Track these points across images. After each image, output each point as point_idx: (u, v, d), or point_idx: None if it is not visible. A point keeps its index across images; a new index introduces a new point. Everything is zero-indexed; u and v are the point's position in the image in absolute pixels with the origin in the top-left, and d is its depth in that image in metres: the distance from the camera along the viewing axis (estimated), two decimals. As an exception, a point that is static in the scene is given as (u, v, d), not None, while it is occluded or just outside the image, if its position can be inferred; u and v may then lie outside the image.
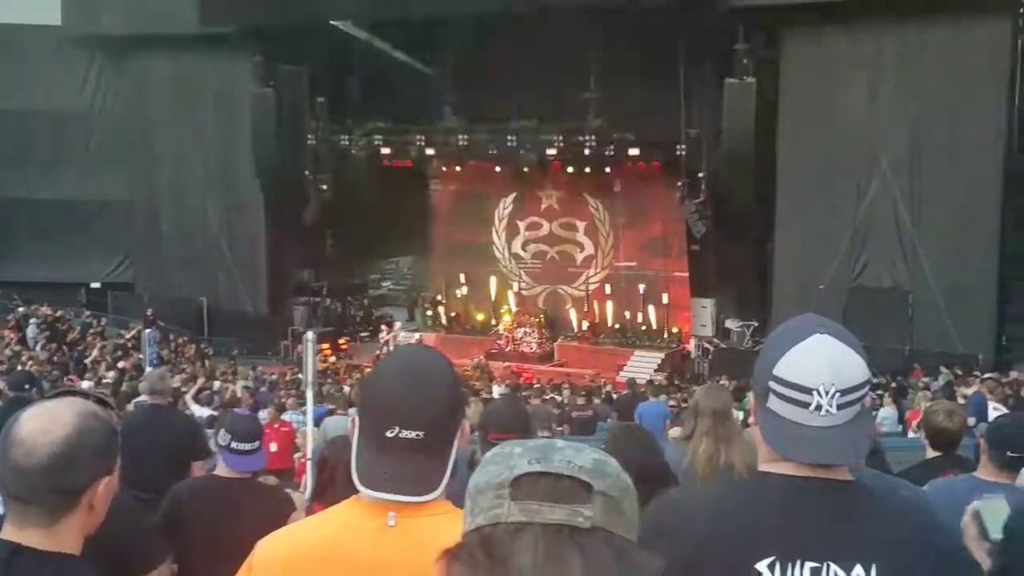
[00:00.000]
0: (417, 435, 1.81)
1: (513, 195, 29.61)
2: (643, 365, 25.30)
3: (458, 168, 28.90)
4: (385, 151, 27.51)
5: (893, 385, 17.29)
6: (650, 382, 20.42)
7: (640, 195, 27.32)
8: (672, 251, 27.21)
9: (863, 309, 21.48)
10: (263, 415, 11.55)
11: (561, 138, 25.34)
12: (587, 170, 26.45)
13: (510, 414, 3.77)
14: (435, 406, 1.84)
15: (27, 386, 6.83)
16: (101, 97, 30.09)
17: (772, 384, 1.77)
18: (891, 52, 22.15)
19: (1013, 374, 16.47)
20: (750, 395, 1.89)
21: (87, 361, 20.43)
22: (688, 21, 21.37)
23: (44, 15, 28.89)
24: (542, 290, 29.92)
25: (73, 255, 28.93)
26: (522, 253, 30.16)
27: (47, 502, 1.83)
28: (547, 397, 18.47)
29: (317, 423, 9.62)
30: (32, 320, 24.14)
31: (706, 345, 26.08)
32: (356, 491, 1.82)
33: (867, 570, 1.69)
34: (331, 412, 11.97)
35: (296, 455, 10.02)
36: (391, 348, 22.98)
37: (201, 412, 11.65)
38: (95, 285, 30.33)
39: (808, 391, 1.73)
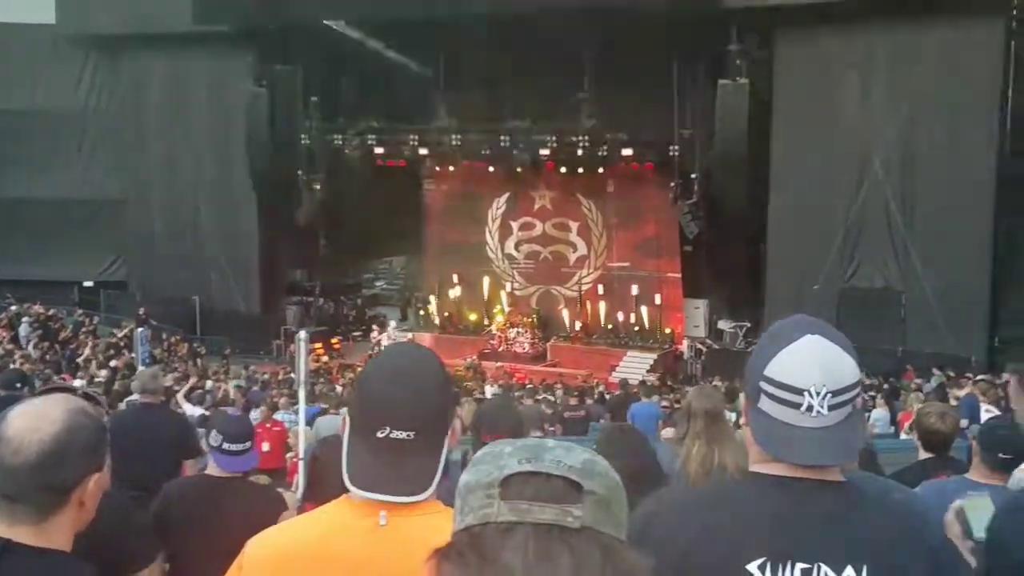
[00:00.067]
0: (408, 435, 1.80)
1: (506, 195, 29.62)
2: (636, 366, 25.32)
3: (451, 168, 28.91)
4: (378, 151, 27.50)
5: (886, 386, 17.32)
6: (643, 383, 20.43)
7: (633, 195, 27.34)
8: (665, 252, 27.22)
9: (856, 310, 21.52)
10: (255, 414, 11.55)
11: (554, 138, 25.35)
12: (580, 170, 26.46)
13: (502, 414, 3.77)
14: (426, 406, 1.84)
15: (18, 385, 6.80)
16: (95, 96, 30.03)
17: (763, 385, 1.77)
18: (884, 53, 22.19)
19: (1006, 376, 16.48)
20: (742, 396, 1.89)
21: (79, 360, 20.39)
22: (681, 22, 21.38)
23: (38, 14, 28.83)
24: (535, 290, 29.93)
25: (66, 254, 28.85)
26: (515, 253, 30.17)
27: (36, 500, 1.82)
28: (540, 397, 18.47)
29: (310, 423, 9.63)
30: (24, 319, 24.09)
31: (699, 346, 26.12)
32: (347, 490, 1.82)
33: (858, 571, 1.69)
34: (324, 411, 11.96)
35: (288, 455, 10.02)
36: (382, 347, 22.97)
37: (193, 411, 11.63)
38: (88, 284, 30.27)
39: (799, 392, 1.72)
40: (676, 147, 24.39)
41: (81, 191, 29.20)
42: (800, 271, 22.97)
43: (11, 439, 1.81)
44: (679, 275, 26.98)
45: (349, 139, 27.55)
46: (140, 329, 22.11)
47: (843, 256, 22.89)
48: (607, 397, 17.34)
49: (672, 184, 24.94)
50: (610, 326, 27.81)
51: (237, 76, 26.54)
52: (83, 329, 25.35)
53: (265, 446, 9.62)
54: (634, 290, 27.55)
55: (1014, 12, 21.64)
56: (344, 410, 1.95)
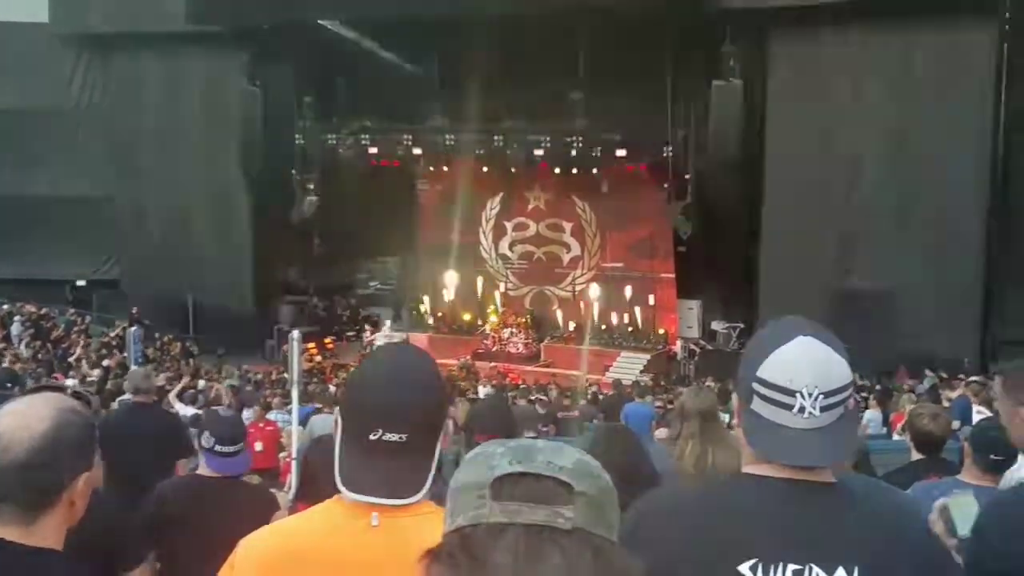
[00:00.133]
0: (400, 438, 1.80)
1: (500, 195, 29.62)
2: (629, 366, 25.33)
3: (445, 168, 28.89)
4: (372, 150, 27.48)
5: (878, 387, 17.34)
6: (636, 383, 20.46)
7: (627, 196, 27.32)
8: (659, 252, 27.22)
9: (849, 311, 21.51)
10: (248, 414, 11.53)
11: (548, 139, 25.35)
12: (574, 171, 26.45)
13: (495, 415, 3.77)
14: (419, 408, 1.84)
15: (9, 384, 6.82)
16: (88, 95, 29.95)
17: (756, 386, 1.78)
18: (877, 54, 22.21)
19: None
20: (734, 397, 1.89)
21: (71, 359, 20.35)
22: (676, 23, 21.40)
23: (31, 13, 28.76)
24: (529, 291, 29.93)
25: (58, 253, 28.80)
26: (509, 253, 30.17)
27: (26, 499, 1.82)
28: (533, 397, 18.47)
29: (303, 422, 9.61)
30: (16, 318, 24.03)
31: (692, 346, 26.13)
32: (339, 490, 1.82)
33: (849, 572, 1.69)
34: (318, 411, 11.95)
35: (281, 455, 10.00)
36: (375, 348, 22.99)
37: (185, 411, 11.60)
38: (80, 283, 30.22)
39: (791, 393, 1.73)
40: (670, 148, 24.40)
41: (74, 190, 29.13)
42: (794, 272, 22.98)
43: (0, 438, 1.80)
44: (673, 276, 27.00)
45: (343, 139, 27.52)
46: (133, 328, 22.07)
47: (836, 258, 22.92)
48: (600, 397, 17.33)
49: (666, 185, 24.96)
50: (603, 327, 27.81)
51: (231, 75, 26.49)
52: (75, 328, 25.30)
53: (258, 446, 9.60)
54: (628, 291, 27.55)
55: (1006, 14, 21.68)
56: (337, 409, 1.94)
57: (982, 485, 3.44)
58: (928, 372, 18.57)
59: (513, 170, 26.91)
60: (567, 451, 1.17)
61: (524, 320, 28.24)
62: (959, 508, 2.47)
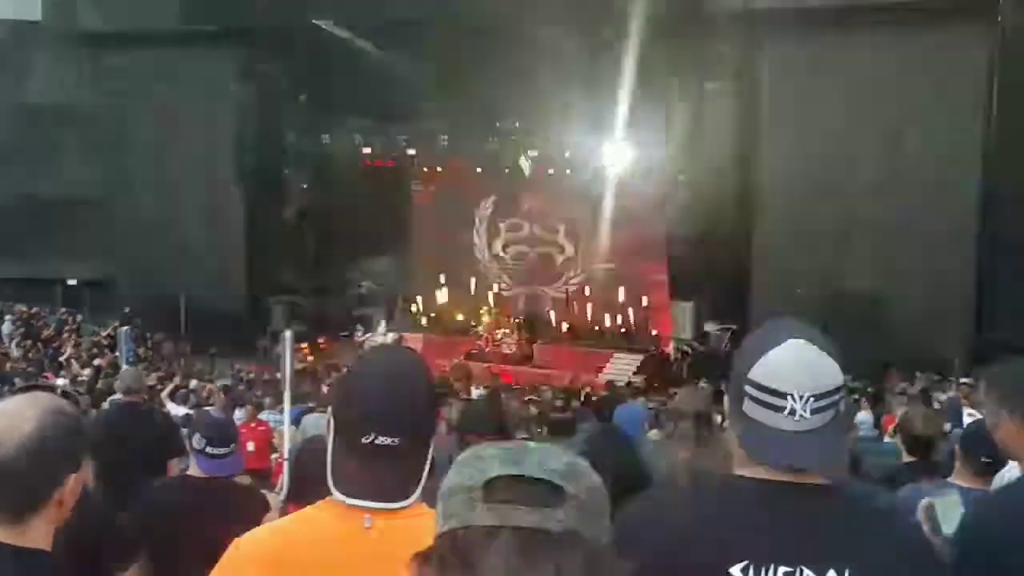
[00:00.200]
0: (393, 441, 1.80)
1: (494, 196, 29.58)
2: (622, 367, 25.30)
3: (439, 168, 28.87)
4: (366, 150, 27.48)
5: (870, 389, 17.37)
6: (629, 384, 20.44)
7: (620, 197, 27.32)
8: (652, 254, 27.21)
9: (841, 313, 21.52)
10: (240, 414, 11.51)
11: (542, 139, 25.37)
12: (568, 171, 26.47)
13: (488, 416, 3.77)
14: (411, 411, 1.84)
15: (-1, 384, 6.79)
16: (81, 93, 29.89)
17: (747, 388, 1.78)
18: (871, 58, 22.24)
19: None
20: (726, 398, 1.89)
21: (62, 358, 20.29)
22: (670, 26, 21.42)
23: (24, 11, 28.70)
24: (522, 291, 29.89)
25: (49, 252, 28.73)
26: (502, 254, 30.12)
27: (13, 499, 1.81)
28: (526, 399, 18.43)
29: (296, 422, 9.60)
30: (7, 317, 23.98)
31: (685, 348, 26.12)
32: (331, 492, 1.81)
33: (840, 574, 1.69)
34: (311, 410, 11.93)
35: (273, 455, 9.99)
36: (367, 349, 22.95)
37: (177, 410, 11.58)
38: (71, 282, 30.14)
39: (782, 395, 1.73)
40: (664, 149, 24.42)
41: (65, 189, 29.07)
42: (786, 274, 22.99)
43: (-12, 438, 1.80)
44: (666, 277, 26.98)
45: (336, 138, 27.51)
46: (124, 328, 22.00)
47: (830, 260, 22.95)
48: (593, 399, 17.32)
49: (659, 186, 24.98)
50: (597, 328, 27.79)
51: (224, 74, 26.48)
52: (66, 328, 25.24)
53: (250, 446, 9.59)
54: (621, 292, 27.53)
55: (999, 19, 21.74)
56: (330, 411, 1.94)
57: (973, 487, 3.45)
58: (919, 374, 18.62)
59: (507, 170, 26.90)
60: (558, 453, 1.17)
61: (517, 321, 28.19)
62: (944, 507, 2.48)
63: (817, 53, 22.59)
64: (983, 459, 3.60)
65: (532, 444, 1.19)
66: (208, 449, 3.97)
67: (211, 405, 12.38)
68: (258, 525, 2.03)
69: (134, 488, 4.14)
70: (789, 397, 1.72)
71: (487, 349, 27.56)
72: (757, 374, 1.76)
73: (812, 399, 1.72)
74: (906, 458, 4.58)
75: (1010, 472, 3.55)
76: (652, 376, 24.37)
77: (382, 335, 27.67)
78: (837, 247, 22.86)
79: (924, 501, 2.54)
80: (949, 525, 2.44)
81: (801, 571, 1.69)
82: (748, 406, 1.78)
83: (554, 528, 1.09)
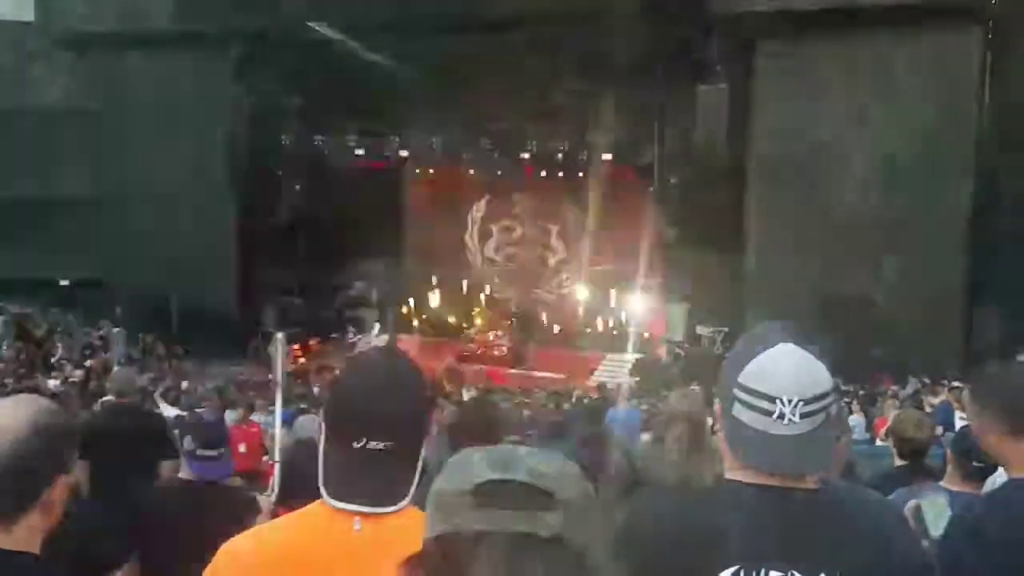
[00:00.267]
0: (385, 446, 1.80)
1: (486, 198, 29.63)
2: (614, 369, 25.33)
3: (431, 171, 28.91)
4: (359, 152, 27.47)
5: (862, 392, 17.40)
6: (621, 386, 20.45)
7: (613, 199, 27.37)
8: (644, 256, 27.25)
9: (833, 316, 21.57)
10: (231, 416, 11.48)
11: (535, 142, 25.41)
12: (560, 174, 26.52)
13: (479, 419, 3.76)
14: (403, 416, 1.83)
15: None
16: (74, 95, 29.82)
17: (736, 391, 1.78)
18: (863, 61, 22.32)
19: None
20: (716, 401, 1.89)
21: (54, 359, 20.23)
22: (662, 27, 21.45)
23: (17, 11, 28.62)
24: (514, 293, 29.92)
25: (42, 252, 28.63)
26: (495, 256, 30.18)
27: (2, 502, 1.80)
28: (518, 401, 18.45)
29: (288, 423, 9.57)
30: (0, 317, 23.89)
31: (677, 350, 26.15)
32: (321, 495, 1.81)
33: (830, 577, 1.69)
34: (303, 411, 11.92)
35: (264, 457, 9.96)
36: (359, 352, 22.93)
37: (168, 412, 11.55)
38: (64, 283, 30.04)
39: (771, 399, 1.73)
40: (656, 151, 24.46)
41: (57, 190, 28.99)
42: (779, 277, 23.06)
43: (-24, 442, 1.79)
44: (658, 279, 27.04)
45: (329, 140, 27.50)
46: (116, 329, 21.98)
47: (822, 263, 22.99)
48: (585, 401, 17.32)
49: (652, 189, 25.03)
50: (589, 330, 27.83)
51: (218, 76, 26.43)
52: (58, 328, 25.15)
53: (241, 447, 9.56)
54: (613, 294, 27.58)
55: (990, 21, 21.82)
56: (321, 415, 1.94)
57: (964, 491, 3.45)
58: (911, 377, 18.66)
59: (499, 173, 26.95)
60: (548, 457, 1.16)
61: (509, 323, 28.23)
62: (931, 509, 2.49)
63: (808, 56, 22.65)
64: (974, 463, 3.60)
65: (522, 448, 1.19)
66: (198, 451, 3.96)
67: (202, 407, 12.34)
68: (248, 528, 2.02)
69: (126, 490, 4.13)
70: (778, 401, 1.72)
71: (479, 351, 27.58)
72: (747, 378, 1.77)
73: (802, 403, 1.72)
74: (898, 462, 4.58)
75: (1000, 477, 3.56)
76: (644, 378, 24.38)
77: (374, 337, 27.68)
78: (829, 250, 22.91)
79: (911, 503, 2.55)
80: (936, 527, 2.45)
81: (792, 574, 1.69)
82: (738, 410, 1.78)
83: (544, 533, 1.08)
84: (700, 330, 26.17)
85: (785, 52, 22.87)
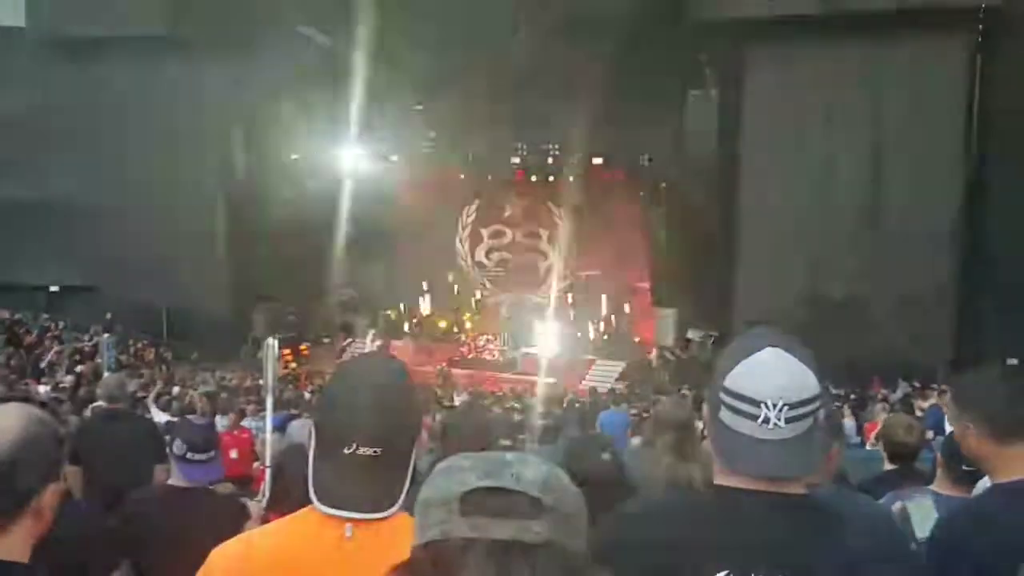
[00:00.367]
0: (375, 452, 1.79)
1: (477, 203, 29.62)
2: (605, 374, 25.32)
3: (422, 175, 28.90)
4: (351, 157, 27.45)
5: (852, 396, 17.44)
6: (611, 391, 20.46)
7: (603, 204, 27.40)
8: (634, 261, 27.29)
9: (824, 320, 21.63)
10: (222, 421, 11.46)
11: (525, 147, 25.40)
12: (551, 179, 26.53)
13: (469, 424, 3.75)
14: (393, 422, 1.83)
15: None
16: (65, 99, 29.72)
17: (723, 396, 1.78)
18: (853, 66, 22.38)
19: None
20: (704, 406, 1.90)
21: (44, 365, 20.18)
22: (652, 33, 21.47)
23: (8, 17, 28.53)
24: (505, 298, 29.90)
25: (32, 258, 28.54)
26: (485, 261, 30.17)
27: None
28: (508, 406, 18.43)
29: (280, 429, 9.55)
30: (-11, 323, 23.86)
31: (667, 355, 26.16)
32: (311, 501, 1.81)
33: (818, 582, 1.70)
34: (294, 416, 11.90)
35: (256, 463, 9.94)
36: (349, 357, 22.88)
37: (160, 417, 11.52)
38: (54, 288, 29.95)
39: (757, 403, 1.73)
40: (646, 157, 24.48)
41: (48, 195, 28.89)
42: (769, 281, 23.10)
43: (-34, 449, 1.78)
44: (648, 284, 27.06)
45: (320, 146, 27.45)
46: (106, 334, 21.92)
47: (812, 267, 23.04)
48: (576, 406, 17.32)
49: (642, 193, 25.07)
50: (579, 334, 27.82)
51: (208, 80, 26.39)
52: (49, 334, 25.09)
53: (233, 453, 9.55)
54: (603, 299, 27.59)
55: (979, 27, 21.90)
56: (312, 421, 1.93)
57: (954, 495, 3.46)
58: (901, 381, 18.70)
59: (490, 178, 26.95)
60: (535, 464, 1.16)
61: (500, 327, 28.21)
62: (917, 512, 2.50)
63: (798, 60, 22.70)
64: (964, 467, 3.61)
65: (509, 455, 1.19)
66: (188, 455, 3.95)
67: (194, 412, 12.33)
68: (239, 534, 2.02)
69: (119, 495, 4.12)
70: (763, 405, 1.73)
71: (470, 356, 27.55)
72: (732, 382, 1.77)
73: (787, 408, 1.72)
74: (888, 466, 4.59)
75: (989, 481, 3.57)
76: (635, 383, 24.41)
77: (366, 342, 27.64)
78: (819, 254, 22.96)
79: (897, 505, 2.55)
80: (922, 529, 2.46)
81: (779, 579, 1.70)
82: (724, 414, 1.79)
83: (531, 539, 1.09)
84: (690, 335, 26.19)
85: (774, 57, 22.92)
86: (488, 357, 27.55)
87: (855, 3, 21.63)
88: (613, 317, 27.49)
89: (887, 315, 22.03)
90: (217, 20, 24.60)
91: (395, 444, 1.82)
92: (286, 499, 3.48)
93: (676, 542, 1.76)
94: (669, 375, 25.03)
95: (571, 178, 26.40)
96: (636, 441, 7.05)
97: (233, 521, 3.63)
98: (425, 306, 30.02)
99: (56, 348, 22.46)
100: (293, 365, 26.43)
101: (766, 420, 1.73)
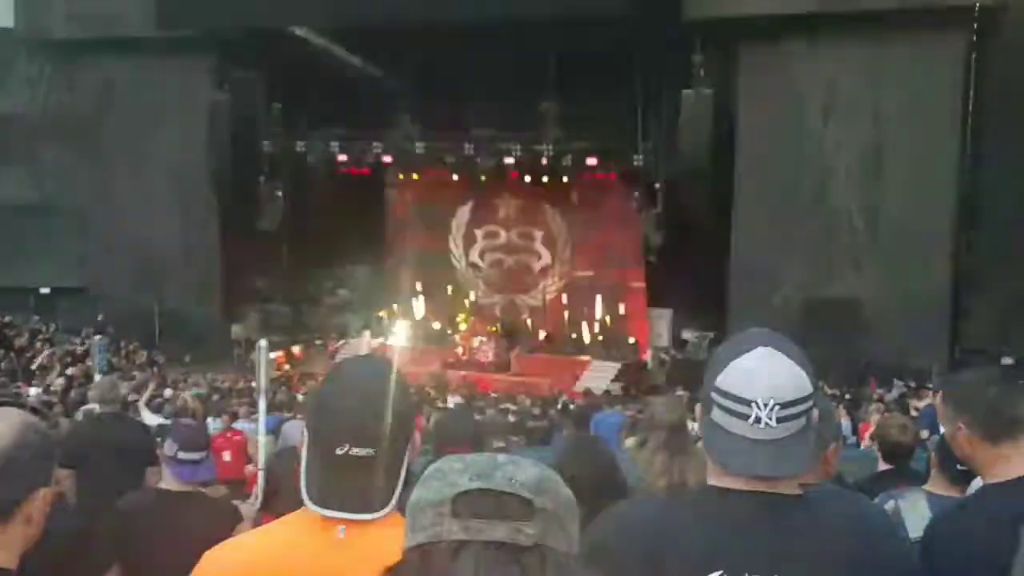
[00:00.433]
0: (368, 452, 1.79)
1: (470, 204, 29.61)
2: (599, 375, 25.31)
3: (415, 176, 28.89)
4: (342, 158, 27.39)
5: (847, 396, 17.47)
6: (606, 392, 20.47)
7: (597, 205, 27.41)
8: (629, 261, 27.30)
9: (819, 320, 21.66)
10: (216, 424, 11.45)
11: (518, 147, 25.37)
12: (544, 179, 26.52)
13: (461, 426, 3.76)
14: (386, 423, 1.82)
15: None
16: (54, 101, 29.69)
17: (714, 396, 1.79)
18: (848, 64, 22.42)
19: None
20: (698, 407, 1.89)
21: (35, 367, 20.15)
22: (646, 32, 21.47)
23: (-4, 17, 28.53)
24: (499, 299, 29.90)
25: (22, 260, 28.49)
26: (479, 262, 30.15)
27: None
28: (503, 407, 18.44)
29: (273, 431, 9.55)
30: (-20, 326, 23.80)
31: (662, 356, 26.18)
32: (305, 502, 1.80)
33: (812, 582, 1.69)
34: (290, 418, 11.91)
35: (248, 465, 9.93)
36: (342, 359, 22.86)
37: (152, 420, 11.49)
38: (45, 291, 29.90)
39: (747, 403, 1.73)
40: (640, 157, 24.48)
41: (39, 197, 28.86)
42: (764, 281, 23.13)
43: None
44: (643, 284, 27.07)
45: (312, 146, 27.43)
46: (98, 337, 21.89)
47: (807, 266, 23.07)
48: (570, 407, 17.33)
49: (636, 193, 25.07)
50: (574, 335, 27.82)
51: (199, 81, 26.38)
52: (40, 337, 25.05)
53: (226, 455, 9.55)
54: (598, 299, 27.60)
55: (975, 26, 21.96)
56: (304, 423, 1.93)
57: (948, 495, 3.46)
58: (896, 381, 18.74)
59: (483, 178, 26.95)
60: (527, 466, 1.16)
61: (494, 329, 28.18)
62: (910, 511, 2.49)
63: (793, 60, 22.75)
64: (958, 467, 3.61)
65: (501, 457, 1.18)
66: (180, 454, 3.93)
67: (186, 415, 12.31)
68: (230, 537, 2.01)
69: (110, 498, 4.11)
70: (754, 405, 1.73)
71: (464, 357, 27.52)
72: (724, 382, 1.77)
73: (778, 407, 1.72)
74: (882, 466, 4.59)
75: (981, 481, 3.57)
76: (630, 384, 24.42)
77: (359, 344, 27.63)
78: (815, 254, 23.02)
79: (889, 504, 2.55)
80: (916, 529, 2.46)
81: (774, 579, 1.69)
82: (716, 414, 1.79)
83: (523, 541, 1.08)
84: (685, 335, 26.21)
85: (769, 56, 22.96)
86: (482, 359, 27.51)
87: (853, 2, 21.70)
88: (608, 317, 27.49)
89: (883, 315, 22.08)
90: (207, 20, 24.56)
91: (388, 445, 1.81)
92: (279, 501, 3.47)
93: (669, 543, 1.76)
94: (664, 376, 25.05)
95: (565, 179, 26.40)
96: (630, 442, 7.02)
97: (225, 525, 3.62)
98: (419, 308, 30.00)
99: (47, 350, 22.44)
100: (287, 367, 26.40)
101: (757, 420, 1.72)
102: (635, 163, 24.70)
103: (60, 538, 2.07)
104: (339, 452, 1.79)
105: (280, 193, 27.67)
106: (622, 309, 27.28)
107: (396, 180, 29.88)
